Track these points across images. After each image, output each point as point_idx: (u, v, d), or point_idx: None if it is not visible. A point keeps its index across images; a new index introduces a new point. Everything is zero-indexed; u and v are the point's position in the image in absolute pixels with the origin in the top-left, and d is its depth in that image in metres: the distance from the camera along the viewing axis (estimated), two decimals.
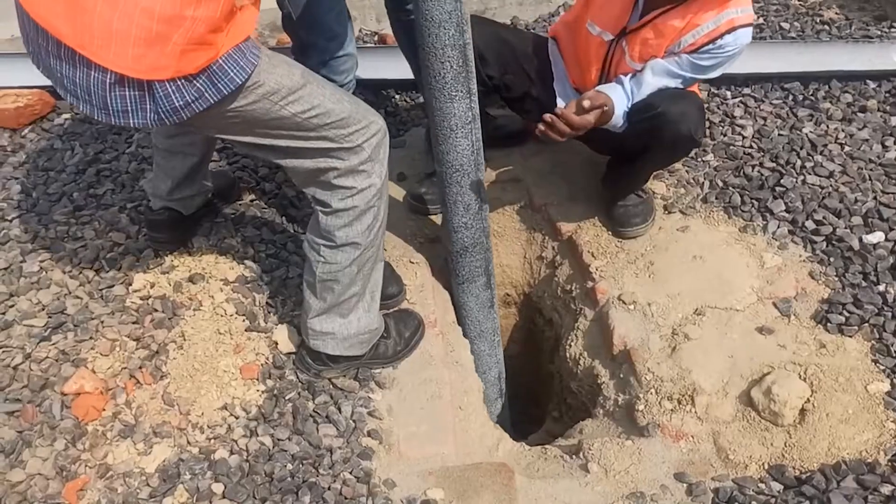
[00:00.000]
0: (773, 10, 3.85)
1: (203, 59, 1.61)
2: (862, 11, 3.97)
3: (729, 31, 2.24)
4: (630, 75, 2.42)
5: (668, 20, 2.28)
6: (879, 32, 3.63)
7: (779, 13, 3.83)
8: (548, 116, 2.21)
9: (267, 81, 1.77)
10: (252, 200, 2.81)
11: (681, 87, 2.41)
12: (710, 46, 2.28)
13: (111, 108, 1.63)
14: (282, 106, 1.81)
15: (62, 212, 2.77)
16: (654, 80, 2.38)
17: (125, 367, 2.25)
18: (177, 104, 1.64)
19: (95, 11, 1.53)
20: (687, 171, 2.92)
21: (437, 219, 2.86)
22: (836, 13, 3.90)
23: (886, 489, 1.91)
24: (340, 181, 1.97)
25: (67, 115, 3.27)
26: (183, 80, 1.61)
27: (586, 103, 2.21)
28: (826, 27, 3.71)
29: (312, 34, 2.52)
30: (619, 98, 2.38)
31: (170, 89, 1.61)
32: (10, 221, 2.75)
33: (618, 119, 2.38)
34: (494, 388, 2.83)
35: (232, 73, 1.67)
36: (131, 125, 1.67)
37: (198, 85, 1.64)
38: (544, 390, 3.02)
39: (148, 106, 1.63)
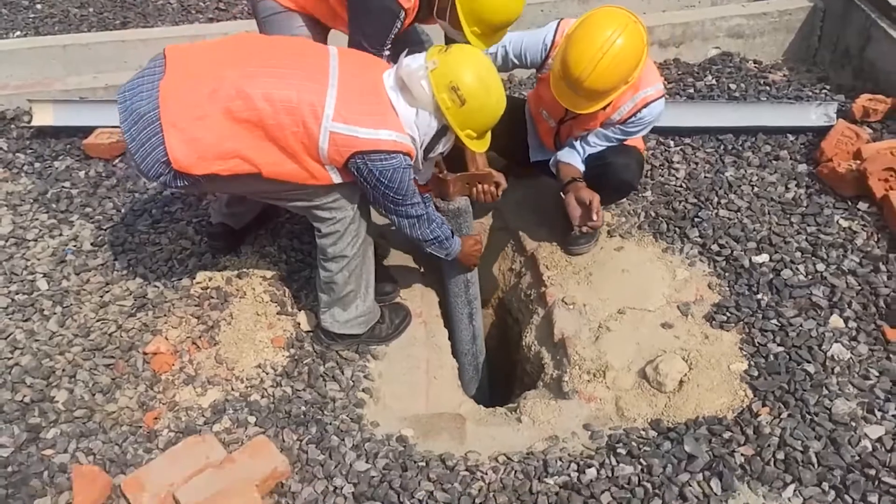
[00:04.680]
0: (726, 73, 4.61)
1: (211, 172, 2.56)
2: (809, 73, 4.71)
3: (644, 106, 3.04)
4: (578, 138, 3.24)
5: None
6: (811, 93, 4.36)
7: (731, 75, 4.58)
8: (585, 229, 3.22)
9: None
10: (288, 218, 3.65)
11: (618, 143, 3.20)
12: (633, 119, 3.08)
13: (146, 170, 2.55)
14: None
15: (144, 223, 3.65)
16: (597, 140, 3.21)
17: (189, 336, 3.09)
18: (178, 186, 2.59)
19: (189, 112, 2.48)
20: (629, 204, 3.69)
21: None
22: (783, 75, 4.64)
23: (727, 435, 2.64)
24: (322, 213, 2.80)
25: None
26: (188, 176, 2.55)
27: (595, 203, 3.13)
28: (768, 88, 4.45)
29: None
30: (577, 160, 3.26)
31: (185, 177, 2.55)
32: (106, 230, 3.64)
33: (581, 172, 3.25)
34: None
35: None
36: (148, 179, 2.65)
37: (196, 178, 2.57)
38: (513, 375, 3.77)
39: (165, 181, 2.58)
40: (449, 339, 3.45)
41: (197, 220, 3.65)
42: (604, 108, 3.03)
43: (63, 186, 3.94)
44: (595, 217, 3.11)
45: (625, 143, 3.27)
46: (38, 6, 5.74)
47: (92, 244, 3.55)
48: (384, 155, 2.57)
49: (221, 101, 2.48)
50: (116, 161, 4.11)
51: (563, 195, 3.23)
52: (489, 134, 2.83)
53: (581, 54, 2.76)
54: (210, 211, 3.51)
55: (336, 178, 2.65)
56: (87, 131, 4.22)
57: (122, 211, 3.75)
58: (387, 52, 2.95)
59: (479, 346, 3.62)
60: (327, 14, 3.08)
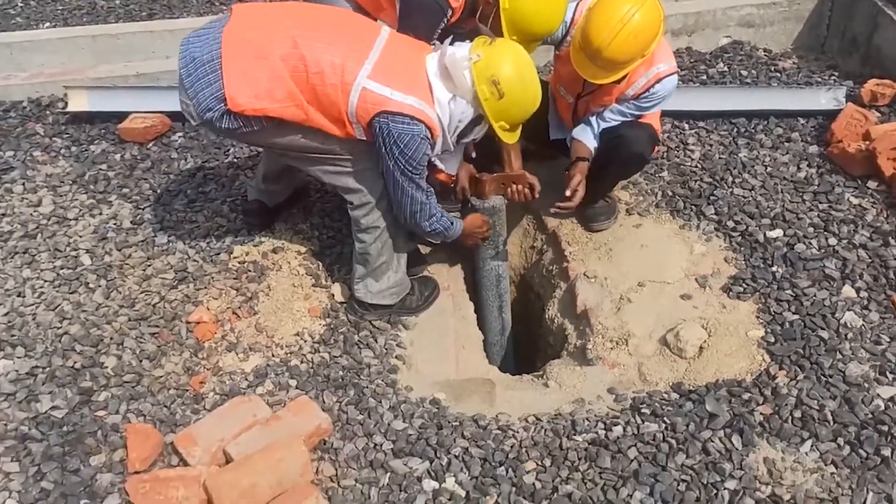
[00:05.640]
0: (737, 61, 4.75)
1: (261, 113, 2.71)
2: (818, 61, 4.85)
3: (658, 82, 3.18)
4: (594, 114, 3.37)
5: (611, 84, 3.20)
6: (820, 79, 4.50)
7: (742, 63, 4.73)
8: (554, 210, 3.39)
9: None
10: (319, 197, 3.80)
11: (633, 118, 3.34)
12: (646, 94, 3.22)
13: (196, 104, 2.70)
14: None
15: (180, 203, 3.80)
16: (612, 116, 3.35)
17: (229, 307, 3.24)
18: (222, 126, 2.74)
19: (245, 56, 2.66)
20: (646, 184, 3.83)
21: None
22: (793, 63, 4.78)
23: (745, 396, 2.78)
24: (353, 185, 2.95)
25: (181, 134, 4.33)
26: (239, 116, 2.71)
27: (574, 182, 3.29)
28: (778, 74, 4.59)
29: None
30: (589, 137, 3.38)
31: (232, 117, 2.70)
32: (143, 209, 3.78)
33: (593, 149, 3.37)
34: None
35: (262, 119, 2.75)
36: (195, 117, 2.75)
37: (241, 121, 2.73)
38: (535, 349, 3.91)
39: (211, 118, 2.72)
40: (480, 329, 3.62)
41: (231, 199, 3.80)
42: (618, 83, 3.17)
43: (100, 169, 4.08)
44: (568, 193, 3.29)
45: (639, 120, 3.41)
46: None
47: (131, 222, 3.70)
48: (408, 119, 2.70)
49: (278, 47, 2.66)
50: (150, 144, 4.25)
51: (565, 171, 3.40)
52: (520, 127, 2.99)
53: (602, 25, 2.90)
54: (246, 188, 3.66)
55: (360, 136, 2.78)
56: (120, 117, 4.36)
57: (158, 191, 3.90)
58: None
59: (507, 337, 3.80)
60: (370, 3, 3.22)
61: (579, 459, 2.63)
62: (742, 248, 3.42)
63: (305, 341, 3.13)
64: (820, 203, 3.58)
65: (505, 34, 3.01)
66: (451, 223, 3.10)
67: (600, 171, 3.50)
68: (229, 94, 2.64)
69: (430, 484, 2.58)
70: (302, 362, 3.05)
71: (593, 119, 3.38)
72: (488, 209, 3.34)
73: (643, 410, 2.80)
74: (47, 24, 5.54)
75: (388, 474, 2.61)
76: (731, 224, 3.53)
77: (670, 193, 3.76)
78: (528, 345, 3.96)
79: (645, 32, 2.94)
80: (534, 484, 2.56)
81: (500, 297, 3.61)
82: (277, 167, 3.46)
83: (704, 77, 4.61)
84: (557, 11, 3.03)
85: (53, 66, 4.90)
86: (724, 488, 2.49)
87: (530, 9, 2.95)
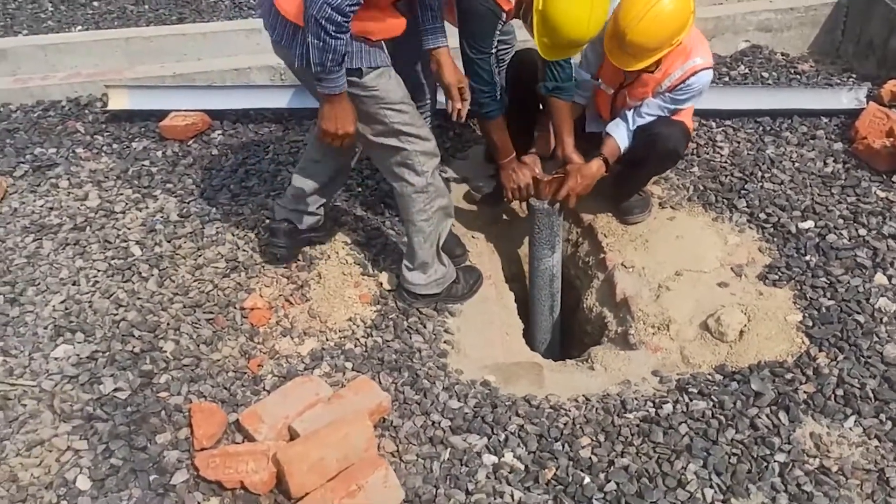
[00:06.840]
0: (757, 63, 4.90)
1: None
2: (833, 65, 5.00)
3: (693, 75, 3.30)
4: (631, 109, 3.49)
5: (649, 75, 3.33)
6: (839, 81, 4.65)
7: (762, 65, 4.87)
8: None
9: (380, 86, 2.80)
10: (360, 191, 3.90)
11: (669, 113, 3.45)
12: (682, 86, 3.34)
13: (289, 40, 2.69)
14: (379, 108, 2.85)
15: (224, 197, 3.90)
16: (648, 110, 3.46)
17: (282, 294, 3.33)
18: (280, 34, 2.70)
19: None
20: (678, 179, 3.95)
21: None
22: (811, 66, 4.93)
23: (788, 375, 2.90)
24: (398, 171, 3.00)
25: (220, 132, 4.43)
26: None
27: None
28: (798, 76, 4.74)
29: None
30: (622, 134, 3.50)
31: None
32: (189, 203, 3.88)
33: (623, 147, 3.48)
34: None
35: (357, 58, 2.70)
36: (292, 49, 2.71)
37: None
38: (571, 338, 4.01)
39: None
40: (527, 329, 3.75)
41: (274, 192, 3.89)
42: (652, 72, 3.30)
43: (143, 165, 4.18)
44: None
45: (673, 118, 3.53)
46: (95, 3, 5.99)
47: (178, 215, 3.79)
48: None
49: None
50: (190, 142, 4.35)
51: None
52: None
53: (629, 9, 3.04)
54: (274, 207, 3.53)
55: None
56: (159, 115, 4.46)
57: (202, 186, 3.99)
58: (492, 52, 3.17)
59: (556, 336, 3.91)
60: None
61: (632, 435, 2.74)
62: (775, 239, 3.54)
63: (358, 326, 3.22)
64: (848, 196, 3.71)
65: (535, 36, 3.07)
66: (340, 62, 2.58)
67: (636, 167, 3.62)
68: (283, 9, 2.65)
69: (489, 458, 2.68)
70: (356, 346, 3.14)
71: (630, 113, 3.50)
72: (546, 210, 3.44)
73: (690, 390, 2.91)
74: (79, 27, 5.64)
75: (449, 449, 2.70)
76: (762, 216, 3.65)
77: (702, 188, 3.88)
78: (564, 333, 4.06)
79: (671, 20, 3.05)
80: (590, 458, 2.66)
81: (552, 297, 3.70)
82: (325, 176, 3.37)
83: (727, 79, 4.74)
84: (592, 19, 2.97)
85: (86, 68, 4.99)
86: (775, 461, 2.60)
87: (562, 13, 2.93)
